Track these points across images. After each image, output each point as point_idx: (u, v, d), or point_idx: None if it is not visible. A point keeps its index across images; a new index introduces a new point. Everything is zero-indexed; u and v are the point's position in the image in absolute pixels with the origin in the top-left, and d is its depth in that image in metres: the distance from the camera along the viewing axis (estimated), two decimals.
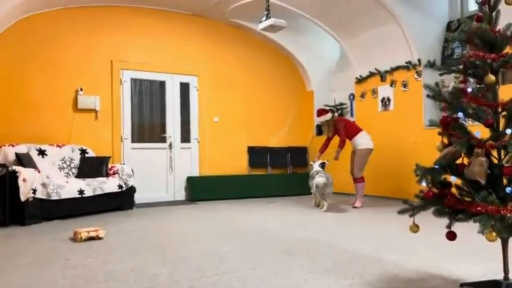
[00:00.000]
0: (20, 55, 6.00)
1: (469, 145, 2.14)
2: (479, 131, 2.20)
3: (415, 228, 2.31)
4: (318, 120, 6.22)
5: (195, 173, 7.23)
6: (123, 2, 6.66)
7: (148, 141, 6.94)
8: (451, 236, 2.23)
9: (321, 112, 6.10)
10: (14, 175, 4.69)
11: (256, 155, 7.82)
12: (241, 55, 7.77)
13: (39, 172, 4.92)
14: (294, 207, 6.07)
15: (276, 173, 7.89)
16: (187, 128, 7.26)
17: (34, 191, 4.72)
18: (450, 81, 5.66)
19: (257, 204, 6.41)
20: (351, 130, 5.90)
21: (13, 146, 5.34)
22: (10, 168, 4.78)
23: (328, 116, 5.98)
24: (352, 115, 7.78)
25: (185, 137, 7.23)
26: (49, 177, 5.09)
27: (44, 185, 4.86)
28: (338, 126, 5.91)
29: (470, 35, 2.24)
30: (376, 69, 7.00)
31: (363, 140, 5.81)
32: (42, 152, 5.60)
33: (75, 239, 3.78)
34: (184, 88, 7.26)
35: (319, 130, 8.13)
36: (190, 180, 7.08)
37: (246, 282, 2.50)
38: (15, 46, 5.95)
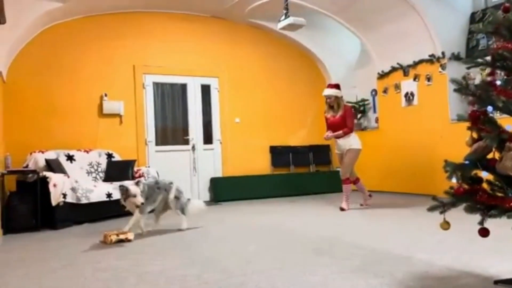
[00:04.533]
0: (46, 64, 6.16)
1: (500, 139, 2.09)
2: (510, 124, 2.14)
3: (446, 225, 2.27)
4: (328, 91, 5.52)
5: (219, 174, 7.28)
6: (143, 7, 6.76)
7: (171, 144, 7.03)
8: (484, 232, 2.18)
9: (332, 86, 5.62)
10: (44, 181, 4.84)
11: (278, 154, 7.81)
12: (261, 55, 7.77)
13: (68, 177, 5.06)
14: (319, 206, 6.03)
15: (299, 172, 7.86)
16: (209, 130, 7.32)
17: (64, 195, 4.85)
18: (476, 74, 5.52)
19: (281, 204, 6.40)
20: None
21: (42, 152, 5.50)
22: (40, 174, 4.94)
23: (340, 92, 5.52)
24: (375, 111, 7.68)
25: (208, 138, 7.29)
26: (78, 181, 5.21)
27: (73, 189, 4.98)
28: (349, 113, 5.49)
29: (498, 26, 2.19)
30: (398, 63, 6.88)
31: (356, 140, 5.46)
32: (70, 158, 5.75)
33: (105, 241, 3.86)
34: (205, 90, 7.32)
35: None
36: (214, 181, 7.13)
37: (274, 282, 2.50)
38: (40, 56, 6.12)
